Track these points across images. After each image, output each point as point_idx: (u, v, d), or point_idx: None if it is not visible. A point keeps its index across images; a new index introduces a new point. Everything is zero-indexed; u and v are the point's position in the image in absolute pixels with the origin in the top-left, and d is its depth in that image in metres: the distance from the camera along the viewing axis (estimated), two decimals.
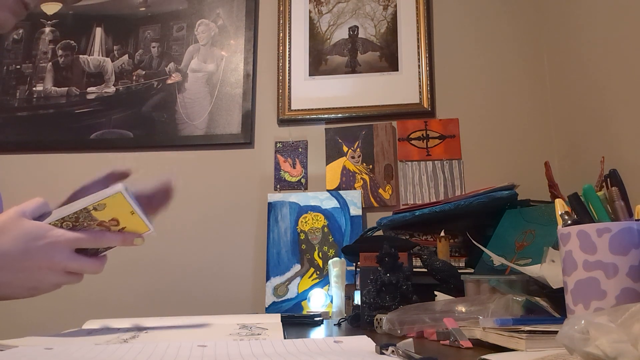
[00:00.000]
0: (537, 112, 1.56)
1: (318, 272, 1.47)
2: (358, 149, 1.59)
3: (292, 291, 1.46)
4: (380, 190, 1.55)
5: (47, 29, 1.79)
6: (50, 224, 0.66)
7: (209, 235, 1.58)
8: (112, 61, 1.75)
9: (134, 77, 1.72)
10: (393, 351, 0.48)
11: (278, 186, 1.59)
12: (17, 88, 1.75)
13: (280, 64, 1.68)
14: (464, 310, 0.68)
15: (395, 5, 1.68)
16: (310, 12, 1.72)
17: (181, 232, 1.58)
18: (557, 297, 0.68)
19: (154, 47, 1.74)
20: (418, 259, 1.07)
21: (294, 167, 1.60)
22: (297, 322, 0.99)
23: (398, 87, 1.61)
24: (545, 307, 0.69)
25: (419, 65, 1.62)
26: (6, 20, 0.77)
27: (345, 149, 1.60)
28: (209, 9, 1.75)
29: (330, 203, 1.53)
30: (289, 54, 1.68)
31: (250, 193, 1.60)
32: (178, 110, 1.67)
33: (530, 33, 1.62)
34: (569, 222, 0.59)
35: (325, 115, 1.63)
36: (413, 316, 0.71)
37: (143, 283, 1.55)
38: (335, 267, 1.26)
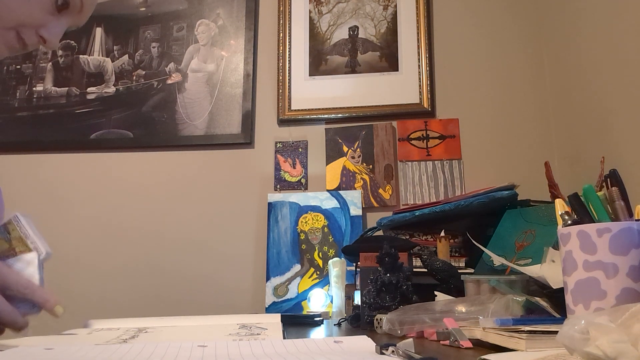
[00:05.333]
0: (537, 112, 1.56)
1: (318, 272, 1.47)
2: (358, 149, 1.59)
3: (292, 291, 1.46)
4: (380, 190, 1.55)
5: None
6: None
7: (209, 235, 1.58)
8: (112, 61, 1.75)
9: (134, 77, 1.72)
10: (393, 351, 0.48)
11: (278, 186, 1.59)
12: (17, 88, 1.75)
13: (280, 64, 1.67)
14: (464, 310, 0.68)
15: (395, 5, 1.68)
16: (310, 12, 1.72)
17: (181, 232, 1.58)
18: (557, 297, 0.68)
19: (154, 47, 1.74)
20: (418, 259, 1.07)
21: (294, 167, 1.60)
22: (297, 322, 0.99)
23: (398, 87, 1.61)
24: (545, 307, 0.69)
25: (419, 65, 1.62)
26: None
27: (345, 149, 1.60)
28: (209, 9, 1.75)
29: (330, 203, 1.53)
30: (289, 54, 1.68)
31: (250, 193, 1.60)
32: (178, 110, 1.67)
33: (530, 33, 1.62)
34: (569, 222, 0.59)
35: (325, 115, 1.63)
36: (413, 316, 0.71)
37: (143, 283, 1.55)
38: (335, 267, 1.26)
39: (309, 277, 1.47)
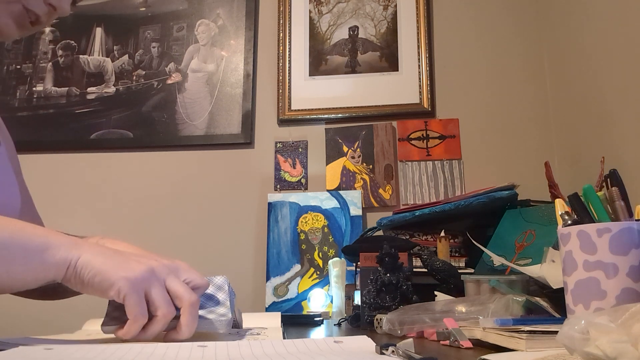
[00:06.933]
0: (537, 112, 1.56)
1: (318, 272, 1.47)
2: (358, 149, 1.59)
3: (292, 291, 1.46)
4: (381, 190, 1.55)
5: (47, 29, 1.79)
6: None
7: (209, 235, 1.58)
8: (112, 61, 1.75)
9: (134, 77, 1.72)
10: (393, 351, 0.48)
11: (278, 186, 1.59)
12: (17, 88, 1.75)
13: (280, 64, 1.67)
14: (464, 310, 0.68)
15: (395, 5, 1.68)
16: (310, 12, 1.71)
17: (181, 232, 1.58)
18: (557, 297, 0.68)
19: (154, 47, 1.74)
20: (418, 259, 1.07)
21: (294, 167, 1.60)
22: (297, 322, 0.99)
23: (398, 87, 1.61)
24: (545, 307, 0.69)
25: (419, 65, 1.62)
26: (7, 27, 0.69)
27: (345, 149, 1.60)
28: (209, 9, 1.75)
29: (330, 203, 1.53)
30: (289, 54, 1.68)
31: (250, 193, 1.60)
32: (178, 110, 1.67)
33: (530, 33, 1.62)
34: (569, 222, 0.59)
35: (325, 115, 1.63)
36: (413, 316, 0.71)
37: None
38: (335, 267, 1.26)
39: (309, 277, 1.47)
